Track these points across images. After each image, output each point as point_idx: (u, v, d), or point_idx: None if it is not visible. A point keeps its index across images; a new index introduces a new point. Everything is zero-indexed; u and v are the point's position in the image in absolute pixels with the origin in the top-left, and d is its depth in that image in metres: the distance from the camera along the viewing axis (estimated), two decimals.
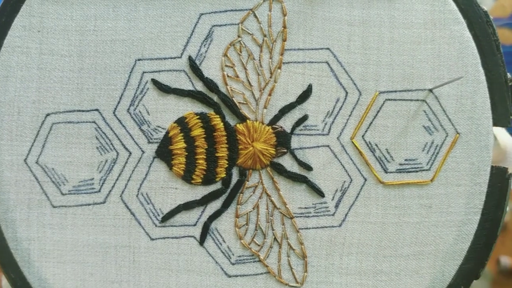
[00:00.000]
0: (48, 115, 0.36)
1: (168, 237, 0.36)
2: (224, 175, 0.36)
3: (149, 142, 0.36)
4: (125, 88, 0.36)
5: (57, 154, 0.36)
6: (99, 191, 0.36)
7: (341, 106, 0.36)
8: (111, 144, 0.36)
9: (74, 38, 0.35)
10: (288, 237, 0.36)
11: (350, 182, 0.36)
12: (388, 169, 0.36)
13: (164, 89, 0.36)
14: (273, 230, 0.36)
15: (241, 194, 0.36)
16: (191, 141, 0.36)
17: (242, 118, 0.36)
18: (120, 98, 0.36)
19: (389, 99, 0.36)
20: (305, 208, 0.36)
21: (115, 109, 0.36)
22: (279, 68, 0.36)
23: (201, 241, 0.36)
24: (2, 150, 0.35)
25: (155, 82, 0.35)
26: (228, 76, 0.36)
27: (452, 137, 0.36)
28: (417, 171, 0.36)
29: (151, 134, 0.36)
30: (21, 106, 0.35)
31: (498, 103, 0.36)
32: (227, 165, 0.36)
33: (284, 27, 0.35)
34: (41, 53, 0.35)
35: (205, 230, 0.36)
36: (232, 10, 0.35)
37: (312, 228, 0.36)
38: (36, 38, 0.35)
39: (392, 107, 0.36)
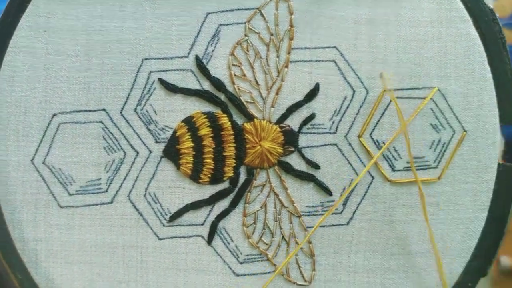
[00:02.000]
0: (54, 115, 0.35)
1: (176, 237, 0.36)
2: (232, 174, 0.36)
3: (156, 142, 0.36)
4: (132, 88, 0.36)
5: (64, 154, 0.36)
6: (107, 191, 0.36)
7: (349, 105, 0.36)
8: (118, 144, 0.36)
9: (80, 38, 0.35)
10: (296, 235, 0.36)
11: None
12: (395, 167, 0.36)
13: (171, 88, 0.35)
14: (281, 228, 0.36)
15: (248, 193, 0.36)
16: (199, 140, 0.36)
17: (250, 117, 0.36)
18: (127, 97, 0.36)
19: (396, 97, 0.36)
20: (313, 206, 0.36)
21: (122, 108, 0.36)
22: (286, 67, 0.36)
23: (209, 240, 0.36)
24: (9, 151, 0.35)
25: (162, 81, 0.35)
26: (235, 75, 0.36)
27: (459, 134, 0.36)
28: (424, 169, 0.36)
29: (158, 133, 0.36)
30: (27, 106, 0.35)
31: (504, 100, 0.36)
32: (234, 164, 0.36)
33: (291, 26, 0.35)
34: (47, 53, 0.35)
35: (213, 229, 0.36)
36: (239, 9, 0.35)
37: (320, 226, 0.36)
38: (42, 38, 0.35)
39: (399, 105, 0.36)
